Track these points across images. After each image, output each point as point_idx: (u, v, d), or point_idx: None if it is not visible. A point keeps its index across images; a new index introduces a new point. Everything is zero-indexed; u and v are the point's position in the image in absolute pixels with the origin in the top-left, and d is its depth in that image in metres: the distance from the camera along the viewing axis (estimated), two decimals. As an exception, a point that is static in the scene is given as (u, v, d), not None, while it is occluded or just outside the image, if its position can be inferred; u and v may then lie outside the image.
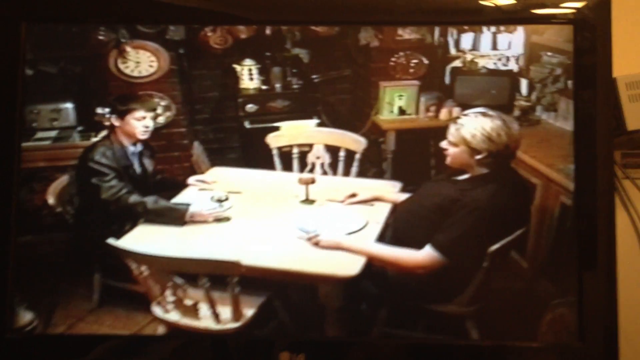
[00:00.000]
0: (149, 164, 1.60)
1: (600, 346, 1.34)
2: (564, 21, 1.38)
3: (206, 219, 1.56)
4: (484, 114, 1.45)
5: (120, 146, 1.56)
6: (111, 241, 1.44)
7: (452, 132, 1.46)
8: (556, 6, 1.39)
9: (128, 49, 1.54)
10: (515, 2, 1.40)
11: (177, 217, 1.54)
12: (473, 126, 1.44)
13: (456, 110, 1.48)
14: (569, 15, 1.38)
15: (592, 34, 1.37)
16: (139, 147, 1.59)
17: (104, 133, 1.55)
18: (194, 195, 1.60)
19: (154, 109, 1.57)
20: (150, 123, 1.56)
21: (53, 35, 1.46)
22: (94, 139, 1.54)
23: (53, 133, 1.52)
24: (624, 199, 1.61)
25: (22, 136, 1.41)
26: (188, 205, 1.56)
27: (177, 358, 1.39)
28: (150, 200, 1.54)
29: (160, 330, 1.46)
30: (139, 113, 1.55)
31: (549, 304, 1.37)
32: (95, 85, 1.54)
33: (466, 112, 1.46)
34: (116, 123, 1.55)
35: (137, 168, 1.59)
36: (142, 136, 1.57)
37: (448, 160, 1.48)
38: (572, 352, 1.35)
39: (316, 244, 1.46)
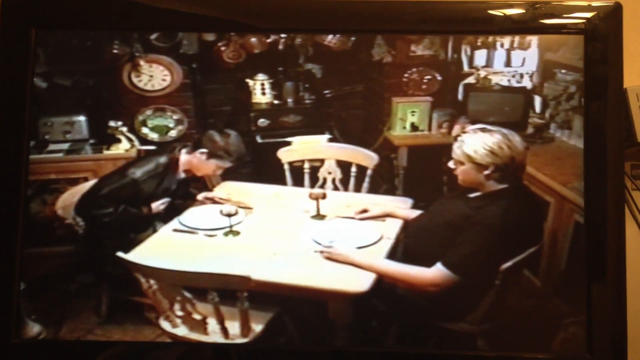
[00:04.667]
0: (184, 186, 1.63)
1: (608, 358, 1.32)
2: (575, 31, 1.37)
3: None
4: (483, 130, 1.45)
5: (172, 174, 1.59)
6: (120, 254, 1.44)
7: (456, 150, 1.47)
8: (566, 16, 1.38)
9: (142, 62, 1.55)
10: (525, 12, 1.39)
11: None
12: (474, 142, 1.45)
13: (469, 127, 1.47)
14: (579, 25, 1.37)
15: (603, 44, 1.36)
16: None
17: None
18: (203, 209, 1.61)
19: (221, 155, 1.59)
20: (226, 165, 1.60)
21: (68, 48, 1.47)
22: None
23: (65, 145, 1.53)
24: (633, 210, 1.59)
25: (30, 147, 1.40)
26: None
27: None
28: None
29: (168, 344, 1.46)
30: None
31: (562, 323, 1.35)
32: (108, 98, 1.54)
33: (466, 129, 1.46)
34: (183, 157, 1.59)
35: (173, 185, 1.61)
36: (206, 173, 1.62)
37: (460, 180, 1.48)
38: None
39: (328, 257, 1.46)
